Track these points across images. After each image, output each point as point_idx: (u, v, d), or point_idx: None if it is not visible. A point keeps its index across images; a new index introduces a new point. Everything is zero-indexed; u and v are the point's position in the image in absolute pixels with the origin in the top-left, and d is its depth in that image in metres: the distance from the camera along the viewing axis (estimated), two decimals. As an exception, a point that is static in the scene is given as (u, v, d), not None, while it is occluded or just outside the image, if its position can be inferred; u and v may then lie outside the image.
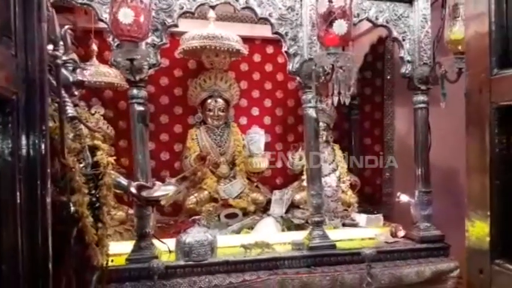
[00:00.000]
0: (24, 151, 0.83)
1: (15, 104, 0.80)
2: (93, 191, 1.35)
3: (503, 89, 0.86)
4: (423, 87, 2.29)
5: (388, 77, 3.14)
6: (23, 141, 0.82)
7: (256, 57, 3.16)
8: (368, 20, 2.25)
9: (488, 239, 0.89)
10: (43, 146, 0.87)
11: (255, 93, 3.19)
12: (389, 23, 2.26)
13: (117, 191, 1.72)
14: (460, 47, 1.98)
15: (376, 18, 2.25)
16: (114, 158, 1.52)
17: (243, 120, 3.16)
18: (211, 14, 2.64)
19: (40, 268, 0.85)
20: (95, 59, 2.45)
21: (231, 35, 2.62)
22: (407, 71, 2.31)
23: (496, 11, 0.87)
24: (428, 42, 2.30)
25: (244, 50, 2.76)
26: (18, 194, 0.81)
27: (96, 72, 2.37)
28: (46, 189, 0.88)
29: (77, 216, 1.22)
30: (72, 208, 1.19)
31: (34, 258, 0.84)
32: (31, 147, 0.84)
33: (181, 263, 1.96)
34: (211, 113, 2.84)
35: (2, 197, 0.79)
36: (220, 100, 2.85)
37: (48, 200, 0.89)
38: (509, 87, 0.84)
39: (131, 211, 2.36)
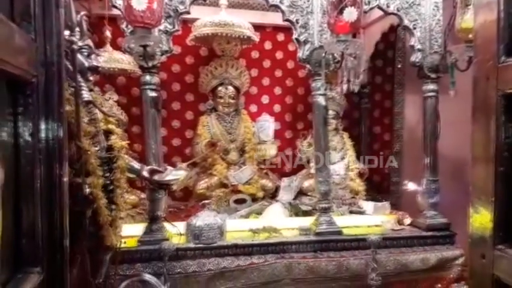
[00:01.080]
0: (43, 132, 0.86)
1: (35, 86, 0.83)
2: (107, 174, 1.38)
3: (510, 76, 0.86)
4: (433, 75, 2.28)
5: (399, 66, 3.11)
6: (42, 122, 0.86)
7: (267, 45, 3.16)
8: (379, 7, 2.24)
9: (491, 224, 0.90)
10: (61, 128, 0.90)
11: (265, 81, 3.21)
12: (400, 11, 2.25)
13: (130, 176, 1.76)
14: (470, 36, 1.96)
15: (387, 6, 2.23)
16: (128, 143, 1.56)
17: (253, 108, 3.18)
18: (223, 1, 2.65)
19: (57, 243, 0.89)
20: (108, 45, 2.47)
21: (243, 22, 2.63)
22: (417, 60, 2.30)
23: (505, -2, 0.87)
24: (439, 30, 2.28)
25: (255, 37, 2.78)
26: (38, 172, 0.84)
27: (110, 58, 2.40)
28: (63, 170, 0.92)
29: (92, 198, 1.25)
30: (87, 190, 1.23)
31: (52, 233, 0.87)
32: (50, 129, 0.87)
33: (191, 245, 2.01)
34: (221, 100, 2.87)
35: (23, 175, 0.83)
36: (230, 87, 2.87)
37: (66, 179, 0.93)
38: (517, 75, 0.85)
39: (143, 195, 2.41)
